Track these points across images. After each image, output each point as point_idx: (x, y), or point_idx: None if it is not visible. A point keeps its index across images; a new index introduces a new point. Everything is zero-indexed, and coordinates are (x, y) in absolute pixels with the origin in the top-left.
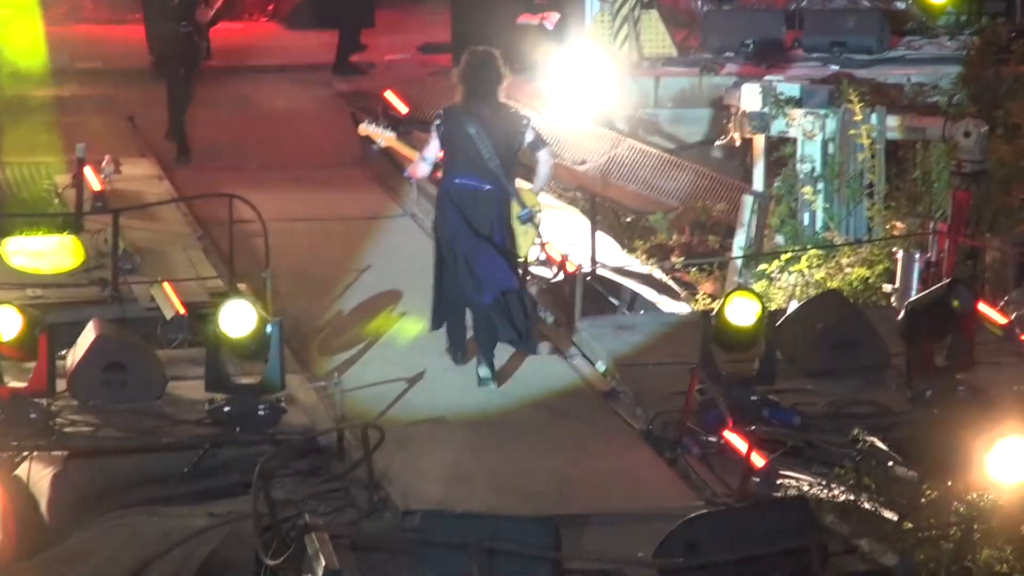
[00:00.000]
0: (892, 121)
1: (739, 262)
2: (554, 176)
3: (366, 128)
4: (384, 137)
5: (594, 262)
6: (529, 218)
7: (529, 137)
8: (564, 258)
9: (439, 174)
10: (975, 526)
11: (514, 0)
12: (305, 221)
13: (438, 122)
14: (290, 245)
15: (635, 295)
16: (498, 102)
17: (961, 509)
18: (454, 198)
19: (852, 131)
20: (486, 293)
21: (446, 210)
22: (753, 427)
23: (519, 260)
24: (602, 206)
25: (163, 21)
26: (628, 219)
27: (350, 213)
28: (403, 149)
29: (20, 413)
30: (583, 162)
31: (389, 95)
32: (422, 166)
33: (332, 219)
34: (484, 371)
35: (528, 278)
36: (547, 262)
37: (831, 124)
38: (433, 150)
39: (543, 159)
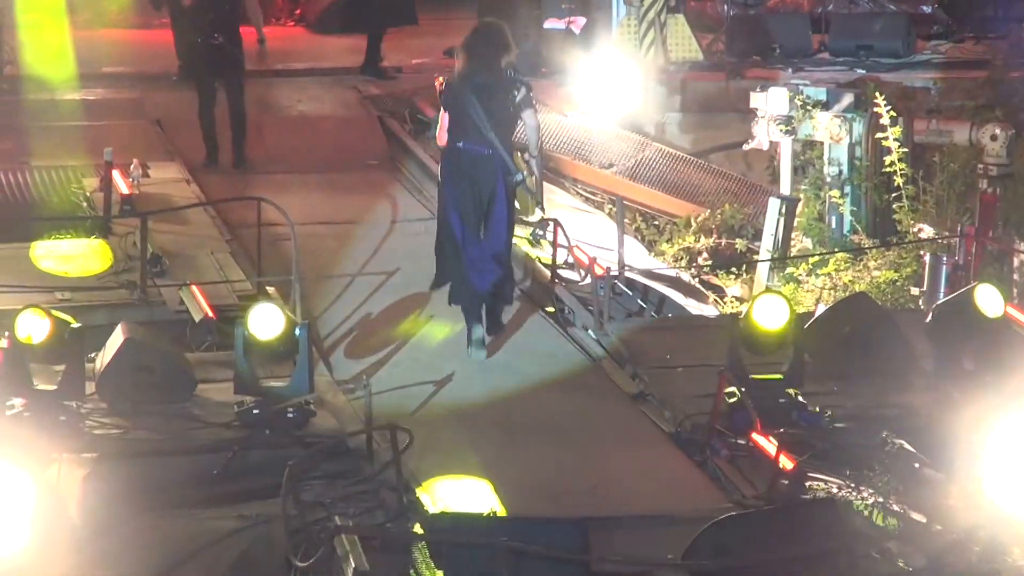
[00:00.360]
0: (919, 125)
1: (767, 265)
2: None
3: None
4: None
5: (622, 265)
6: (522, 181)
7: (519, 96)
8: (592, 261)
9: None
10: (1003, 528)
11: (540, 5)
12: (332, 224)
13: (443, 91)
14: (318, 248)
15: (663, 298)
16: (499, 70)
17: (989, 511)
18: (457, 161)
19: (879, 134)
20: (490, 244)
21: (454, 175)
22: (781, 429)
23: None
24: (629, 209)
25: (192, 33)
26: (656, 222)
27: (377, 216)
28: None
29: (50, 415)
30: (610, 165)
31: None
32: (442, 134)
33: (359, 222)
34: (494, 331)
35: (556, 281)
36: (575, 265)
37: (858, 128)
38: (445, 118)
39: (527, 119)
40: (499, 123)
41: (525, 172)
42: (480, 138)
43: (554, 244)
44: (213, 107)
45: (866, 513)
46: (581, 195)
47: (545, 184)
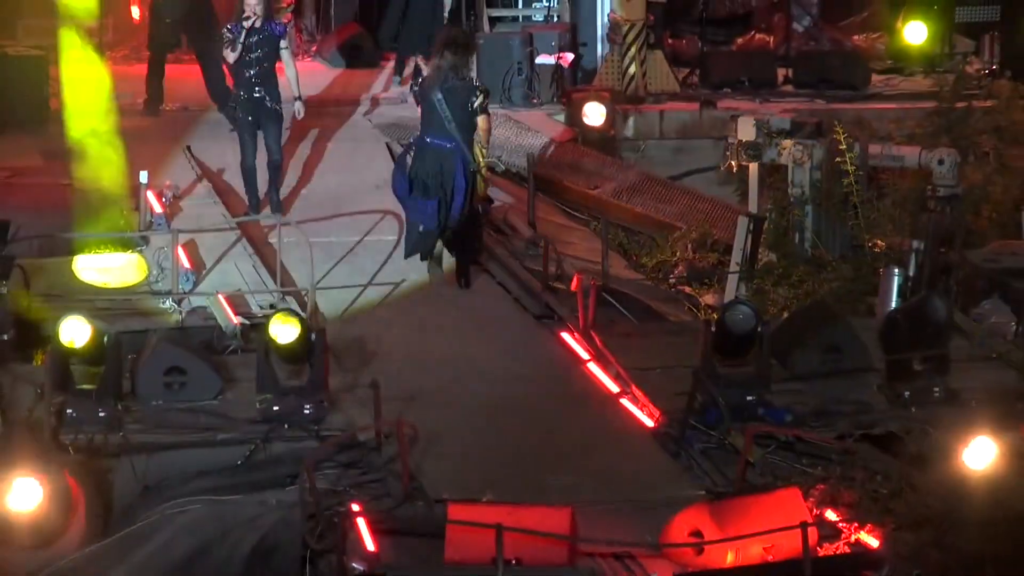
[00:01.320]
0: (873, 150)
1: (736, 276)
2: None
3: None
4: None
5: (606, 276)
6: (476, 170)
7: (476, 103)
8: (579, 273)
9: None
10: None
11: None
12: (344, 240)
13: (416, 89)
14: (331, 261)
15: (643, 306)
16: (463, 74)
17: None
18: (425, 152)
19: (837, 159)
20: (451, 219)
21: (423, 163)
22: (749, 424)
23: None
24: (613, 226)
25: (237, 87)
26: (636, 237)
27: (384, 233)
28: None
29: (90, 412)
30: (596, 187)
31: None
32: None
33: (368, 237)
34: (463, 282)
35: (547, 291)
36: (563, 277)
37: (818, 153)
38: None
39: (481, 122)
40: (460, 122)
41: (481, 163)
42: (445, 133)
43: (544, 258)
44: (255, 157)
45: (826, 499)
46: (569, 213)
47: (536, 203)
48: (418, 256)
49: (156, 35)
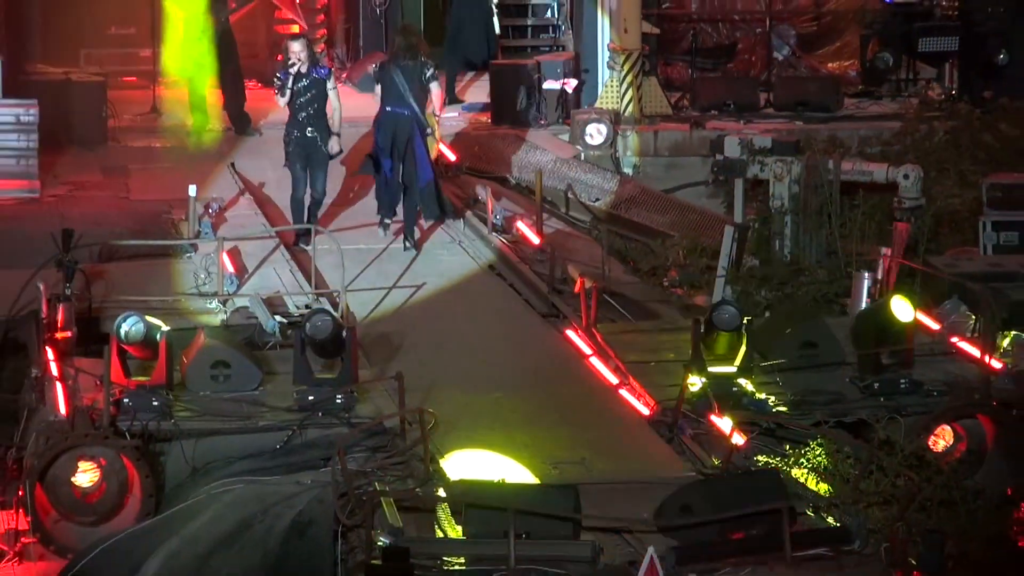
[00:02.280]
0: (845, 166)
1: (722, 280)
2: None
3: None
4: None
5: (606, 279)
6: (430, 133)
7: (428, 74)
8: (582, 276)
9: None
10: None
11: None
12: (372, 248)
13: (376, 69)
14: (360, 267)
15: (640, 306)
16: (416, 57)
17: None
18: (386, 119)
19: (813, 174)
20: (418, 181)
21: (383, 127)
22: (734, 412)
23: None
24: (612, 234)
25: (290, 126)
26: (633, 244)
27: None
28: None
29: (144, 402)
30: (596, 199)
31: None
32: (376, 97)
33: (393, 245)
34: (408, 243)
35: (552, 291)
36: (567, 279)
37: (796, 169)
38: (379, 88)
39: (434, 89)
40: (415, 93)
41: (434, 127)
42: (402, 103)
43: (551, 264)
44: (304, 191)
45: (802, 479)
46: (573, 222)
47: (544, 213)
48: (413, 249)
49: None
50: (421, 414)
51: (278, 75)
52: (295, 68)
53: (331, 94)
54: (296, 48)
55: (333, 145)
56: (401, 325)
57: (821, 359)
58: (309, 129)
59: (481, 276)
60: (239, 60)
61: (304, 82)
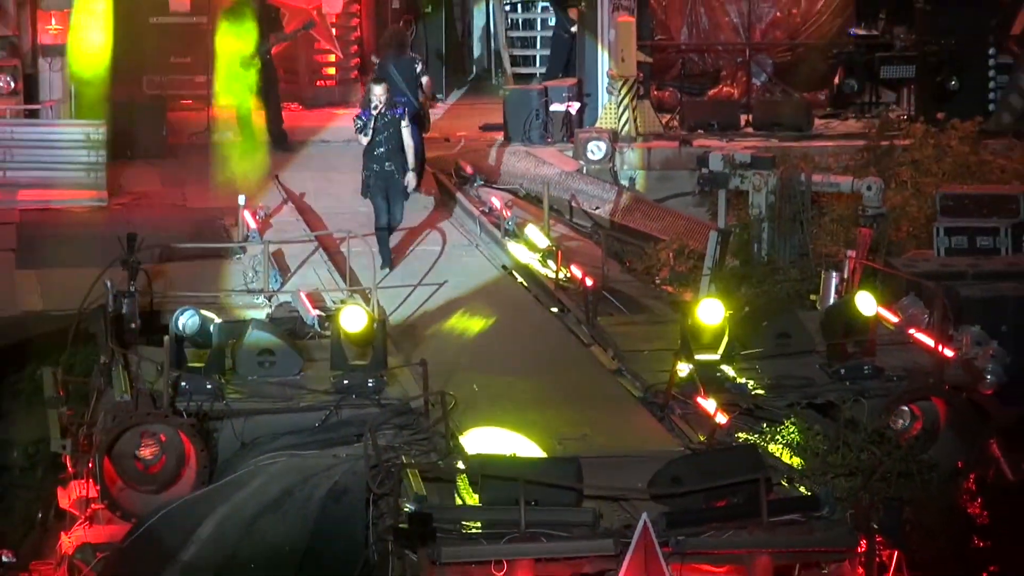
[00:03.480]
0: (816, 178)
1: (707, 278)
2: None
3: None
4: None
5: (605, 278)
6: (424, 113)
7: (418, 69)
8: (583, 275)
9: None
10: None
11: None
12: (398, 249)
13: (377, 65)
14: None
15: (635, 301)
16: (406, 55)
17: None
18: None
19: (787, 186)
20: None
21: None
22: (718, 395)
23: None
24: (611, 239)
25: (369, 161)
26: (629, 247)
27: (429, 244)
28: None
29: (199, 386)
30: (596, 208)
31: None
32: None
33: (419, 247)
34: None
35: (558, 289)
36: (571, 279)
37: (772, 181)
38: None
39: (424, 81)
40: (408, 83)
41: (427, 109)
42: (396, 90)
43: (557, 263)
44: (387, 220)
45: (777, 454)
46: (576, 228)
47: (551, 219)
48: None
49: None
50: (443, 396)
51: (360, 115)
52: (377, 109)
53: (404, 132)
54: (378, 92)
55: (411, 180)
56: (425, 318)
57: (794, 348)
58: (388, 163)
59: (496, 275)
60: (279, 86)
61: (383, 121)
